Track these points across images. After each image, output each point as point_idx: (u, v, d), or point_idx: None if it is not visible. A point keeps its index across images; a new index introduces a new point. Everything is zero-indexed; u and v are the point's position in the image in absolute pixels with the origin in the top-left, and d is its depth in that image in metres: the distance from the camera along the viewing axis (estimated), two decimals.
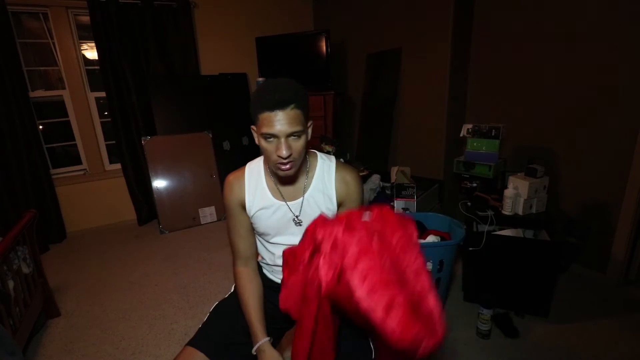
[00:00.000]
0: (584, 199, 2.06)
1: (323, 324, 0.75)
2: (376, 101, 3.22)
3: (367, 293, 0.59)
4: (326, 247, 0.69)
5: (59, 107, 3.09)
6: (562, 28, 2.02)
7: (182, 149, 3.24)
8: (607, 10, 1.82)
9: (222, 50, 3.57)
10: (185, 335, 1.77)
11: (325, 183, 0.98)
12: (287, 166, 0.85)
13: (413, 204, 2.06)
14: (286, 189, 0.98)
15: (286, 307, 0.81)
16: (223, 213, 3.30)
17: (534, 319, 1.76)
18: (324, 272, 0.68)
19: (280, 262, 1.04)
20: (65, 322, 1.97)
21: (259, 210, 0.98)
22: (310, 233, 0.77)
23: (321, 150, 1.00)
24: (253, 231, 1.05)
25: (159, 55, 3.22)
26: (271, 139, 0.83)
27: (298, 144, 0.84)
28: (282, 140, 0.82)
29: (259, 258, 1.13)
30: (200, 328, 1.03)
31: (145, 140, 3.12)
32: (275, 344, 1.07)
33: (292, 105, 0.80)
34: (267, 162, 0.94)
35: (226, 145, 3.50)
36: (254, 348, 0.95)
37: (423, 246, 1.64)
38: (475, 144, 2.12)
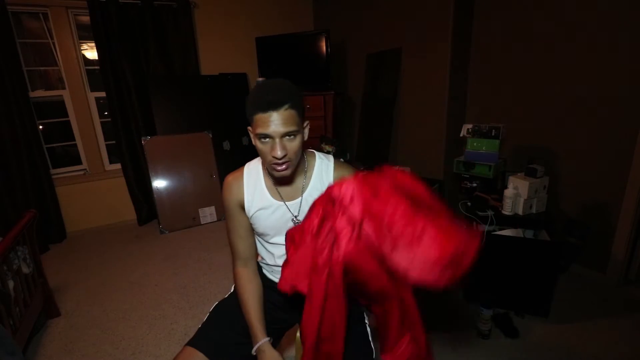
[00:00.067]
0: (584, 199, 2.06)
1: (334, 295, 0.72)
2: (376, 101, 3.22)
3: (403, 226, 0.61)
4: (345, 200, 0.68)
5: (59, 107, 3.09)
6: (562, 28, 2.02)
7: (182, 149, 3.24)
8: (607, 10, 1.82)
9: (222, 50, 3.57)
10: (185, 335, 1.77)
11: (323, 182, 0.98)
12: (283, 166, 0.85)
13: None
14: (284, 189, 0.98)
15: (293, 284, 0.76)
16: (223, 213, 3.29)
17: (534, 319, 1.76)
18: (342, 227, 0.67)
19: (280, 262, 1.04)
20: (65, 322, 1.97)
21: (258, 210, 0.98)
22: (318, 204, 0.77)
23: (321, 150, 1.00)
24: (252, 232, 1.05)
25: (159, 55, 3.22)
26: (266, 140, 0.83)
27: (293, 144, 0.84)
28: (277, 140, 0.82)
29: (259, 258, 1.13)
30: (200, 328, 1.03)
31: (145, 140, 3.12)
32: (275, 344, 1.07)
33: (286, 106, 0.80)
34: (263, 163, 0.94)
35: (226, 145, 3.50)
36: (254, 348, 0.95)
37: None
38: (475, 144, 2.12)
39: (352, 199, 0.68)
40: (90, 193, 3.25)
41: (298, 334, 1.16)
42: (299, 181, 0.98)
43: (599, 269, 2.04)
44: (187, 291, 2.20)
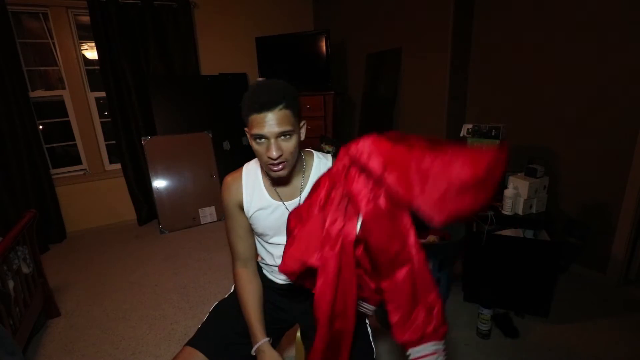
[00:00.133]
0: (584, 199, 2.06)
1: (347, 267, 0.71)
2: (376, 101, 3.22)
3: (431, 159, 0.62)
4: (363, 156, 0.67)
5: (59, 107, 3.09)
6: (562, 28, 2.02)
7: (182, 149, 3.24)
8: (607, 10, 1.82)
9: (222, 50, 3.58)
10: (185, 335, 1.77)
11: None
12: (279, 167, 0.85)
13: None
14: (283, 189, 0.98)
15: (303, 260, 0.73)
16: (223, 213, 3.30)
17: (534, 319, 1.76)
18: (359, 190, 0.67)
19: (280, 262, 1.04)
20: (65, 322, 1.97)
21: (257, 211, 0.98)
22: (323, 177, 0.77)
23: (321, 150, 1.00)
24: (252, 232, 1.05)
25: (159, 55, 3.23)
26: (261, 140, 0.83)
27: (289, 144, 0.84)
28: (272, 141, 0.82)
29: (259, 259, 1.13)
30: (199, 328, 1.03)
31: (145, 140, 3.12)
32: (275, 344, 1.08)
33: (280, 106, 0.80)
34: (260, 163, 0.94)
35: (226, 145, 3.50)
36: (254, 348, 0.95)
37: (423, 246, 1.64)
38: (475, 144, 2.11)
39: (370, 155, 0.67)
40: (90, 193, 3.25)
41: (298, 334, 1.16)
42: (297, 181, 0.98)
43: (599, 269, 2.04)
44: (187, 291, 2.20)
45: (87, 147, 3.23)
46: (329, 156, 1.02)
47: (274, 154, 0.82)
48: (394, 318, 0.71)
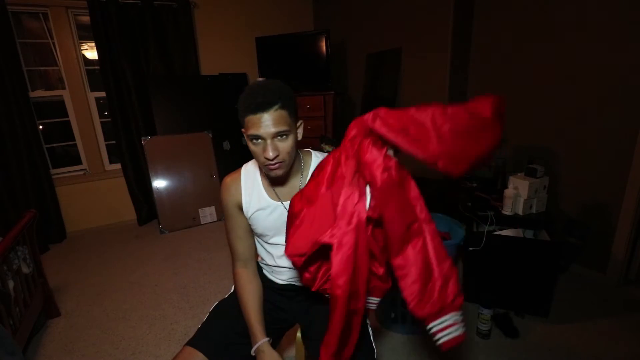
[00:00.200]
0: (584, 199, 2.06)
1: (363, 243, 0.70)
2: (376, 101, 3.22)
3: (441, 111, 0.67)
4: (377, 125, 0.68)
5: (59, 107, 3.10)
6: (562, 28, 2.02)
7: (182, 149, 3.24)
8: (607, 10, 1.82)
9: (222, 50, 3.58)
10: (185, 335, 1.77)
11: None
12: (276, 167, 0.85)
13: None
14: (281, 189, 0.98)
15: (315, 240, 0.71)
16: (223, 213, 3.30)
17: (534, 319, 1.76)
18: (373, 159, 0.67)
19: (280, 262, 1.04)
20: (65, 322, 1.97)
21: (256, 211, 0.98)
22: (327, 159, 0.77)
23: (321, 150, 1.00)
24: (251, 232, 1.06)
25: (159, 55, 3.23)
26: (258, 141, 0.83)
27: (285, 144, 0.84)
28: (269, 141, 0.82)
29: (259, 259, 1.13)
30: (199, 328, 1.03)
31: (145, 140, 3.12)
32: (275, 344, 1.08)
33: (276, 106, 0.80)
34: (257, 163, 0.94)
35: (226, 145, 3.50)
36: (253, 349, 0.95)
37: None
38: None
39: (382, 122, 0.69)
40: (90, 193, 3.25)
41: (298, 334, 1.16)
42: (295, 181, 0.98)
43: (599, 269, 2.04)
44: (187, 291, 2.20)
45: (87, 147, 3.23)
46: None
47: (271, 154, 0.82)
48: (411, 293, 0.70)
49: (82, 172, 3.25)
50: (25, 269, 1.76)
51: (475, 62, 2.57)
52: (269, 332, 0.99)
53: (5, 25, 2.65)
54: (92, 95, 3.18)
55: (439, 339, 0.70)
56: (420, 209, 0.70)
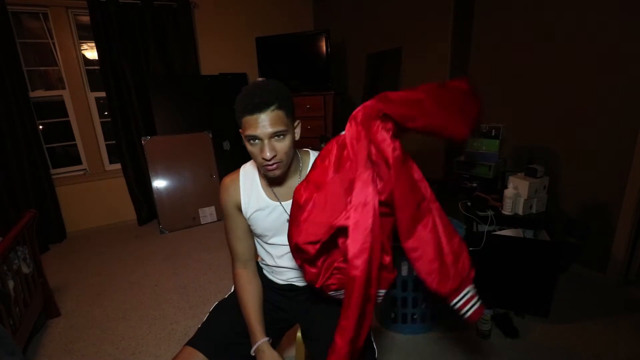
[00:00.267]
0: (584, 199, 2.06)
1: (375, 226, 0.69)
2: None
3: (432, 88, 0.77)
4: (387, 107, 0.71)
5: (59, 107, 3.10)
6: (562, 28, 2.01)
7: (182, 149, 3.24)
8: (607, 11, 1.82)
9: (222, 50, 3.58)
10: (185, 335, 1.77)
11: None
12: (274, 167, 0.86)
13: None
14: (280, 190, 0.98)
15: (331, 223, 0.70)
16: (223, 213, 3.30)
17: (534, 319, 1.76)
18: (383, 139, 0.69)
19: (280, 262, 1.05)
20: (65, 322, 1.97)
21: (255, 212, 0.98)
22: (327, 148, 0.77)
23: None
24: (251, 233, 1.06)
25: (159, 55, 3.23)
26: (255, 142, 0.84)
27: (283, 144, 0.84)
28: (266, 142, 0.82)
29: (259, 259, 1.13)
30: (199, 328, 1.03)
31: (145, 140, 3.12)
32: (275, 344, 1.07)
33: (273, 107, 0.80)
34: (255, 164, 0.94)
35: (226, 145, 3.50)
36: (253, 348, 0.95)
37: None
38: (475, 144, 2.11)
39: (388, 103, 0.72)
40: (90, 193, 3.25)
41: (299, 334, 1.16)
42: (294, 181, 0.98)
43: (599, 269, 2.04)
44: (187, 291, 2.20)
45: (87, 147, 3.23)
46: None
47: (268, 154, 0.82)
48: (431, 272, 0.72)
49: (82, 172, 3.25)
50: (25, 269, 1.76)
51: (475, 62, 2.57)
52: (269, 332, 0.99)
53: (5, 25, 2.65)
54: (92, 95, 3.18)
55: (465, 313, 0.75)
56: (425, 189, 0.72)
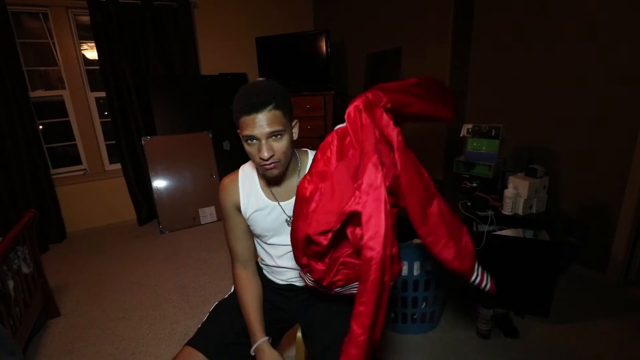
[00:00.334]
0: (584, 199, 2.06)
1: (387, 211, 0.68)
2: None
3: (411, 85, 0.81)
4: (384, 96, 0.71)
5: (59, 107, 3.10)
6: (562, 28, 2.02)
7: (182, 149, 3.24)
8: (607, 10, 1.82)
9: (222, 50, 3.58)
10: (185, 335, 1.77)
11: None
12: (271, 167, 0.86)
13: None
14: (279, 190, 0.98)
15: (342, 210, 0.69)
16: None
17: (534, 319, 1.76)
18: (387, 122, 0.70)
19: (280, 262, 1.04)
20: (65, 322, 1.97)
21: (254, 212, 0.98)
22: (326, 141, 0.76)
23: None
24: (250, 233, 1.06)
25: (159, 55, 3.23)
26: (253, 142, 0.84)
27: (280, 144, 0.85)
28: (263, 141, 0.82)
29: (259, 259, 1.13)
30: (199, 328, 1.03)
31: (145, 140, 3.12)
32: (275, 344, 1.07)
33: (270, 107, 0.81)
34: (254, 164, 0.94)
35: (226, 145, 3.50)
36: (253, 348, 0.96)
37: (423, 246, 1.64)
38: (475, 144, 2.11)
39: (384, 94, 0.72)
40: (90, 193, 3.25)
41: (299, 334, 1.16)
42: (292, 180, 0.98)
43: (599, 269, 2.04)
44: (187, 291, 2.20)
45: (87, 147, 3.23)
46: None
47: (265, 154, 0.82)
48: (451, 254, 0.74)
49: (82, 172, 3.25)
50: (25, 269, 1.76)
51: (475, 62, 2.57)
52: (268, 332, 0.99)
53: (5, 25, 2.65)
54: (92, 95, 3.18)
55: (485, 286, 0.82)
56: (424, 172, 0.74)
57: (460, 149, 2.47)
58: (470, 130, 2.13)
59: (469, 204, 2.01)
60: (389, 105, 0.72)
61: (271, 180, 0.96)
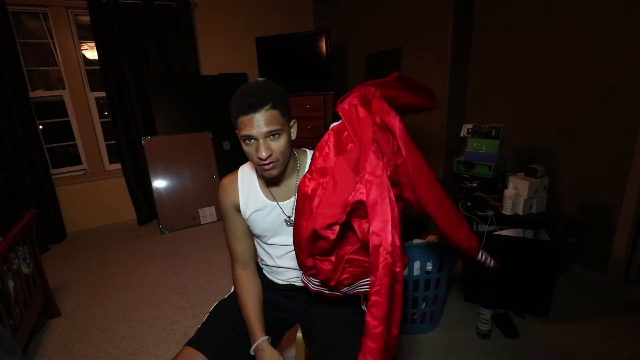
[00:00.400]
0: (584, 199, 2.06)
1: (392, 200, 0.68)
2: None
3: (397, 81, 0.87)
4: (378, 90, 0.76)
5: (59, 107, 3.09)
6: (562, 28, 2.02)
7: (182, 149, 3.24)
8: (607, 10, 1.82)
9: (222, 50, 3.58)
10: (185, 335, 1.77)
11: None
12: (269, 166, 0.86)
13: None
14: (278, 190, 0.98)
15: (347, 202, 0.68)
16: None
17: (534, 319, 1.76)
18: (388, 111, 0.73)
19: (280, 262, 1.04)
20: (65, 322, 1.97)
21: (253, 212, 0.98)
22: (325, 138, 0.79)
23: None
24: (250, 233, 1.06)
25: (159, 55, 3.22)
26: (251, 142, 0.84)
27: (278, 143, 0.85)
28: (261, 141, 0.83)
29: (258, 259, 1.13)
30: (199, 328, 1.03)
31: (145, 140, 3.12)
32: (276, 344, 1.07)
33: (267, 107, 0.81)
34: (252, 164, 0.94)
35: (226, 145, 3.50)
36: (252, 347, 0.95)
37: (423, 246, 1.64)
38: (475, 144, 2.11)
39: (377, 89, 0.79)
40: (90, 193, 3.25)
41: (299, 334, 1.16)
42: (291, 180, 0.98)
43: (599, 269, 2.04)
44: (187, 291, 2.20)
45: (87, 147, 3.23)
46: None
47: (263, 154, 0.82)
48: (464, 234, 0.79)
49: (82, 172, 3.25)
50: (25, 269, 1.76)
51: (475, 62, 2.57)
52: (269, 332, 0.99)
53: (5, 25, 2.65)
54: (92, 95, 3.18)
55: (490, 262, 0.88)
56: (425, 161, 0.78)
57: (460, 149, 2.47)
58: (470, 130, 2.13)
59: (469, 204, 2.01)
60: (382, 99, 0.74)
61: (270, 180, 0.96)
